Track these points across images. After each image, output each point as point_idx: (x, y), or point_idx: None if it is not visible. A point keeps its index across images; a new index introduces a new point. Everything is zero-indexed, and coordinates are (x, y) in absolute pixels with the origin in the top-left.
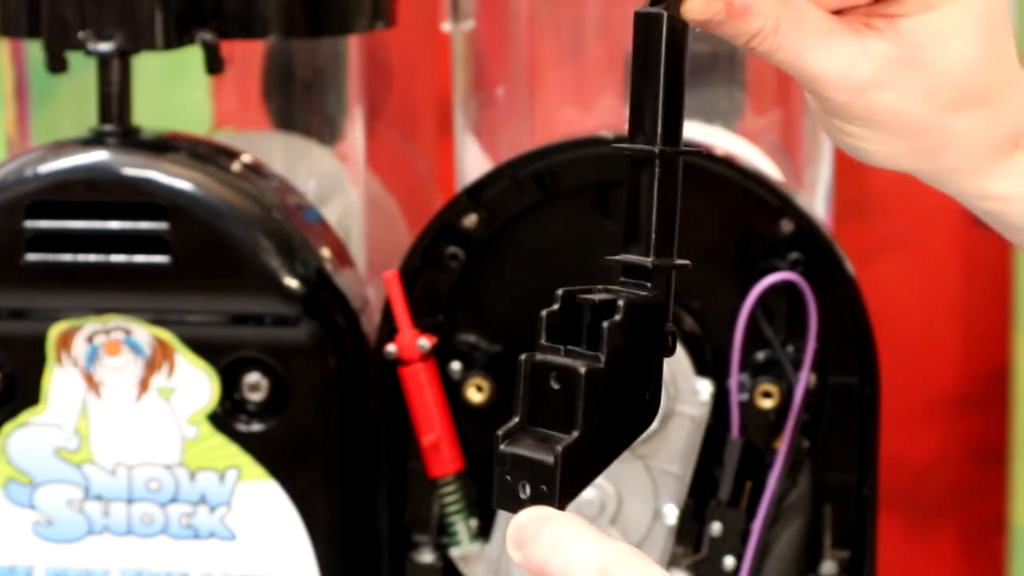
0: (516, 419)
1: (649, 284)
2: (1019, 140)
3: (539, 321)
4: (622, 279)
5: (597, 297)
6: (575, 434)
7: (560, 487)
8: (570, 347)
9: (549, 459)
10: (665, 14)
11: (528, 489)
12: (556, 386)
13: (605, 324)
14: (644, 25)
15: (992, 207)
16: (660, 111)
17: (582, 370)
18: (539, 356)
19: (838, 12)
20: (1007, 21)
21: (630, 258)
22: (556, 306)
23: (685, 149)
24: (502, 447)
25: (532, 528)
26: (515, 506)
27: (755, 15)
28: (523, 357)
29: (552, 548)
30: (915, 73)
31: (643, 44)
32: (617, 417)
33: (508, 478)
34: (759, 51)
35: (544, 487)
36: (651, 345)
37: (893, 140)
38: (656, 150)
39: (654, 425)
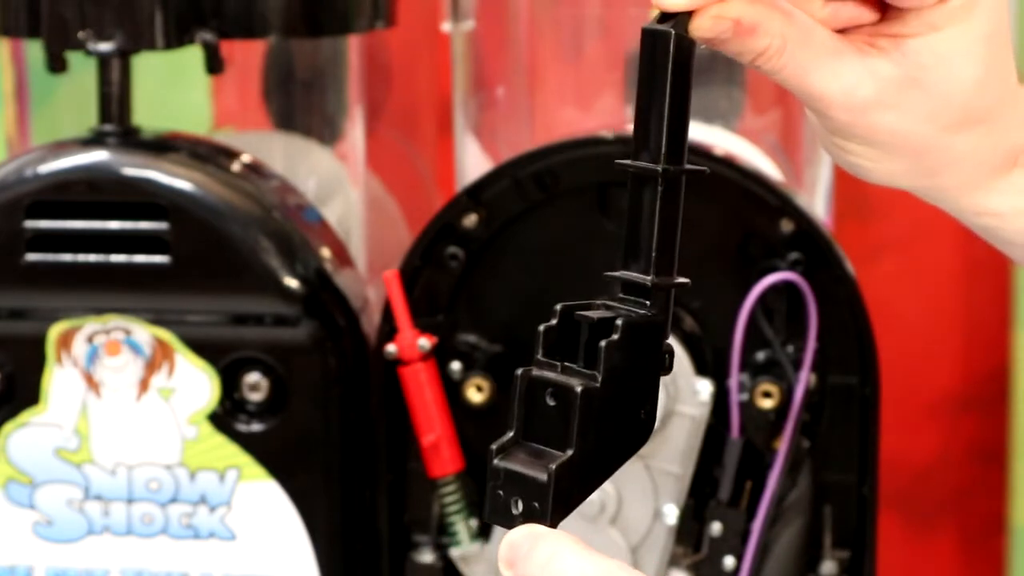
0: (511, 433)
1: (648, 302)
2: (1018, 157)
3: (536, 336)
4: (621, 295)
5: (595, 315)
6: (569, 452)
7: (552, 505)
8: (567, 364)
9: (542, 476)
10: (673, 32)
11: (520, 505)
12: (552, 402)
13: (602, 343)
14: (651, 42)
15: (989, 223)
16: (664, 129)
17: (578, 389)
18: (535, 372)
19: (842, 31)
20: (1009, 39)
21: (630, 275)
22: (554, 321)
23: (688, 168)
24: (495, 461)
25: (524, 546)
26: (506, 521)
27: (762, 34)
28: (519, 372)
29: (544, 566)
30: (919, 94)
31: (649, 61)
32: (612, 435)
33: (500, 493)
34: (763, 69)
35: (536, 504)
36: (648, 363)
37: (893, 159)
38: (660, 169)
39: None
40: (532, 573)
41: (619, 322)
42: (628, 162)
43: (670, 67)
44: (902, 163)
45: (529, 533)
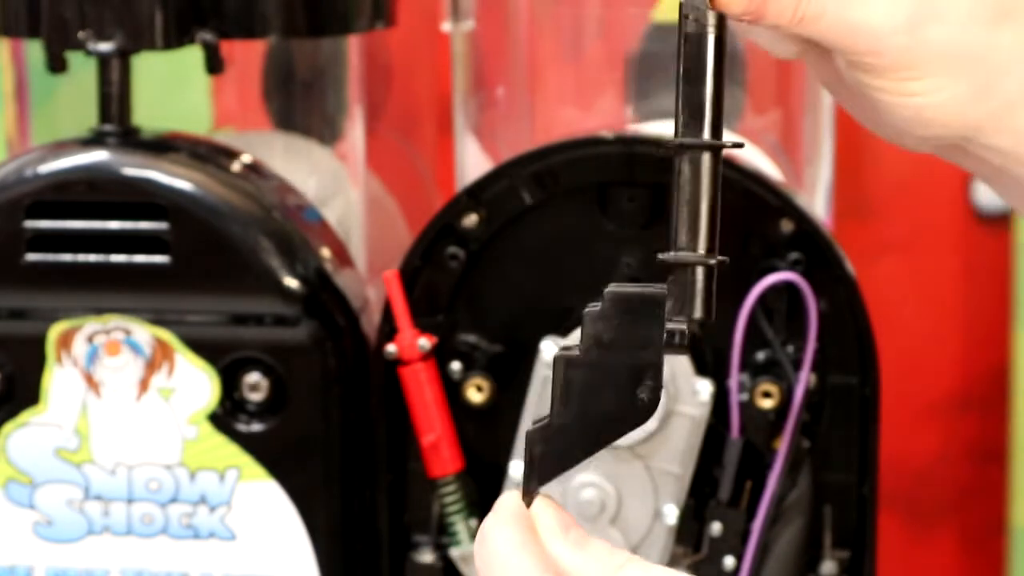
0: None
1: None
2: None
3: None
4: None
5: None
6: (547, 420)
7: (526, 469)
8: None
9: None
10: (685, 5)
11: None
12: None
13: (584, 312)
14: (681, 18)
15: None
16: (680, 104)
17: (558, 356)
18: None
19: None
20: None
21: (664, 255)
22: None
23: (699, 142)
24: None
25: (490, 514)
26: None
27: None
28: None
29: (480, 541)
30: None
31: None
32: (601, 407)
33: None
34: (806, 24)
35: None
36: (649, 339)
37: (952, 80)
38: (677, 143)
39: (654, 425)
40: (476, 543)
41: (606, 292)
42: (670, 141)
43: (681, 38)
44: (962, 83)
45: (498, 503)
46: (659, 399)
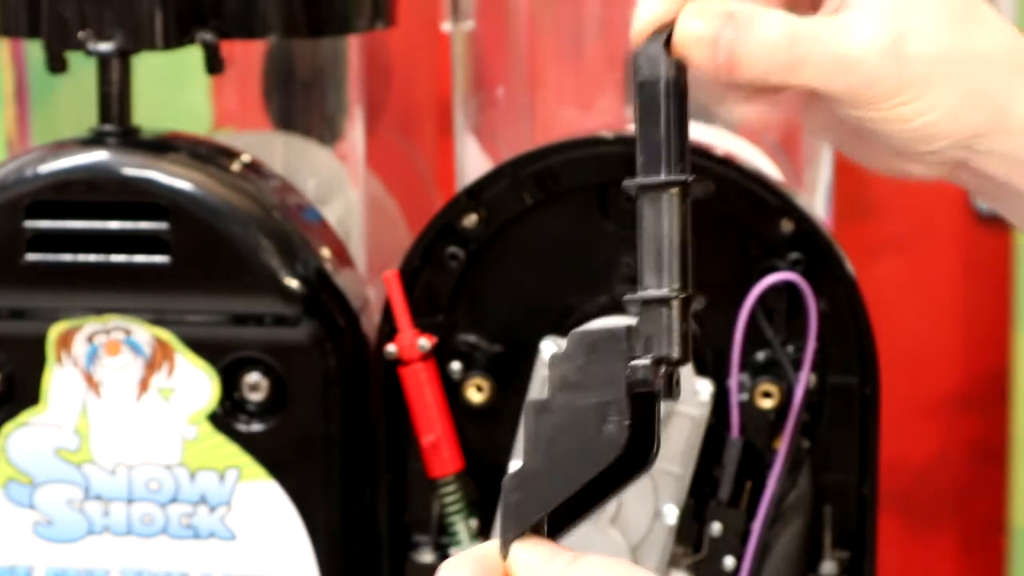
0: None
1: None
2: None
3: None
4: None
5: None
6: (519, 466)
7: (502, 516)
8: None
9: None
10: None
11: None
12: None
13: (551, 355)
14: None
15: None
16: (640, 144)
17: (528, 403)
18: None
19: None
20: None
21: (632, 296)
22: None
23: (656, 181)
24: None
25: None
26: None
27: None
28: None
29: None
30: (916, 5)
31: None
32: (571, 448)
33: None
34: (791, 72)
35: None
36: (613, 375)
37: (944, 91)
38: (639, 183)
39: None
40: None
41: (570, 334)
42: (633, 180)
43: (636, 85)
44: (952, 92)
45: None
46: (626, 432)
